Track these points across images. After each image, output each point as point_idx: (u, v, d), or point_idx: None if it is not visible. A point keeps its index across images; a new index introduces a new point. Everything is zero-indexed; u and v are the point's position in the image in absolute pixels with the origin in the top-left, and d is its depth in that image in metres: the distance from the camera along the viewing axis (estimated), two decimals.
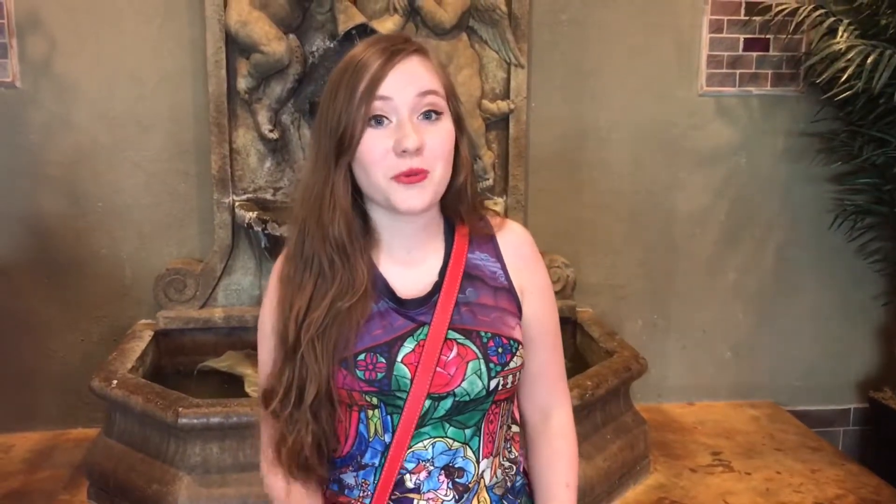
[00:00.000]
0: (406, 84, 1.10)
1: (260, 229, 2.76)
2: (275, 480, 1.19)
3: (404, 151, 1.08)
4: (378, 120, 1.11)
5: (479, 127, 3.05)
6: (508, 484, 1.22)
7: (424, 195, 1.11)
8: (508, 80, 3.09)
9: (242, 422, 2.30)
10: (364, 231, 1.18)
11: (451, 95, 1.16)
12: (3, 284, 3.05)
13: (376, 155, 1.10)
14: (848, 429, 3.55)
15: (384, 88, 1.10)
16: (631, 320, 3.39)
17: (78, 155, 3.02)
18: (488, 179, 3.10)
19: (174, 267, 3.02)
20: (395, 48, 1.12)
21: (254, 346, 3.17)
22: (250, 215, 2.82)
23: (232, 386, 2.79)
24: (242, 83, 2.92)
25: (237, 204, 2.97)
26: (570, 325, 3.16)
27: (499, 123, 3.11)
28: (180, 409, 2.33)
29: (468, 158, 1.18)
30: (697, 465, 2.91)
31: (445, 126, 1.13)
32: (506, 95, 3.10)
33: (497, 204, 3.09)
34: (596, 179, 3.28)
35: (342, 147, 1.11)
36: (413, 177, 1.09)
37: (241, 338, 3.01)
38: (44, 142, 3.00)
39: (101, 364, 2.69)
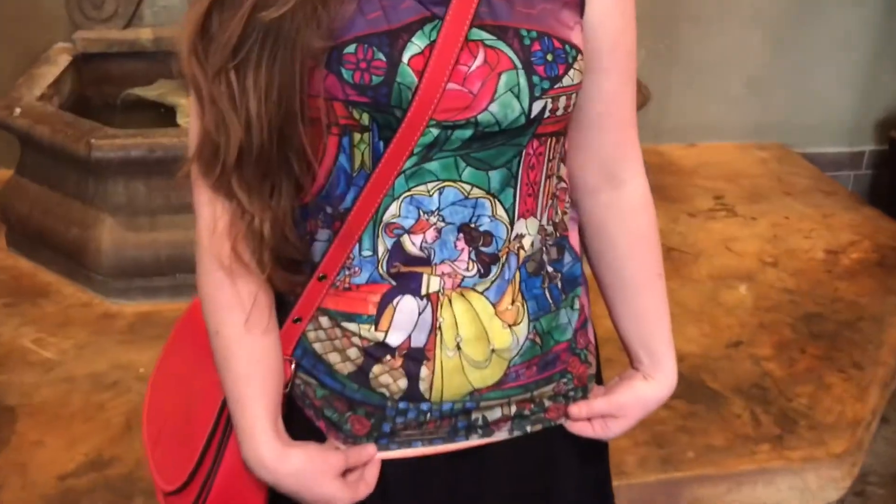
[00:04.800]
0: None
1: None
2: (221, 278, 0.79)
3: None
4: None
5: None
6: (547, 259, 0.84)
7: None
8: None
9: (170, 156, 1.94)
10: None
11: None
12: None
13: None
14: (859, 173, 3.26)
15: None
16: None
17: None
18: None
19: None
20: None
21: None
22: None
23: (165, 118, 2.42)
24: None
25: None
26: None
27: None
28: (93, 140, 1.98)
29: None
30: (697, 210, 2.66)
31: None
32: None
33: None
34: None
35: None
36: None
37: (175, 64, 2.59)
38: None
39: (5, 90, 2.31)
